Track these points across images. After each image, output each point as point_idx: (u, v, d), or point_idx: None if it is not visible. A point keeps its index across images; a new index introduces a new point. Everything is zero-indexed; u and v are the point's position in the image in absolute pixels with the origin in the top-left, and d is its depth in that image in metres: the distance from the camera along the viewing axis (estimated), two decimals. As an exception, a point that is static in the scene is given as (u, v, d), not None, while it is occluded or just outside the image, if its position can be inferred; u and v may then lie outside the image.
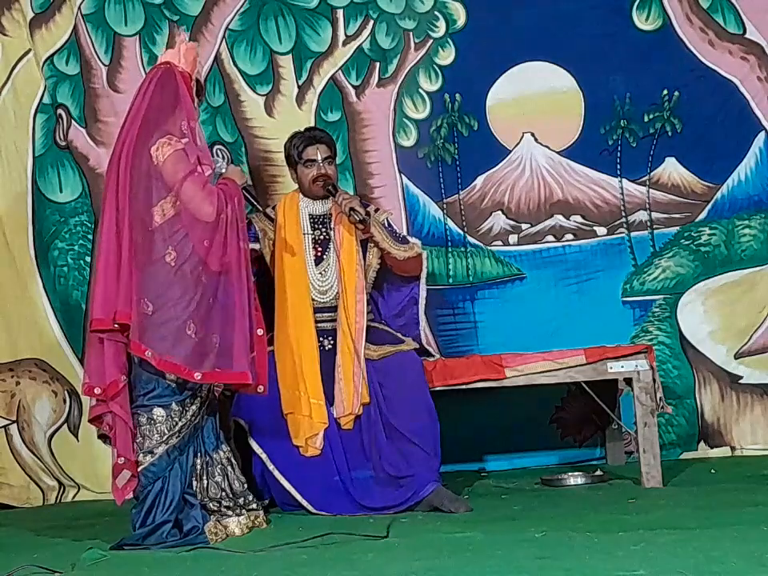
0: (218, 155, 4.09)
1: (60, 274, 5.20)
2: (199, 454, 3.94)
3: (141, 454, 3.84)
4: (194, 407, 3.91)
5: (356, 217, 4.36)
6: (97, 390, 3.82)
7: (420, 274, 4.66)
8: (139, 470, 3.84)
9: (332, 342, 4.38)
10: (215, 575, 3.33)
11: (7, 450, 5.12)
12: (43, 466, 5.13)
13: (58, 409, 5.16)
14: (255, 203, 4.20)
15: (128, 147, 3.92)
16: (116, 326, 3.80)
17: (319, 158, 4.45)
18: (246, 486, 4.07)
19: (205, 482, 3.94)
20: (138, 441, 3.86)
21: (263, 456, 4.28)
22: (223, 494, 3.95)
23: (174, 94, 3.94)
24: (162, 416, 3.86)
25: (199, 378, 3.80)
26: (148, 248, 3.81)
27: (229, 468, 4.02)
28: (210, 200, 3.85)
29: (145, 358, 3.79)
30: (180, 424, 3.87)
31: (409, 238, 4.70)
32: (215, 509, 3.91)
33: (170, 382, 3.86)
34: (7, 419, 5.14)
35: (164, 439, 3.85)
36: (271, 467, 4.27)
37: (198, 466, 3.94)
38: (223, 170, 4.10)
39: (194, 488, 3.91)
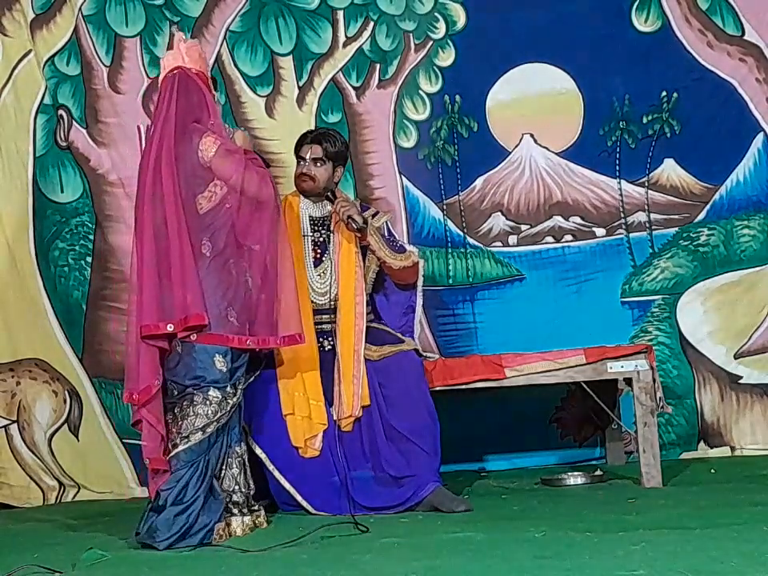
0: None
1: (61, 274, 5.21)
2: (227, 444, 4.00)
3: (192, 432, 3.87)
4: (237, 395, 3.97)
5: (353, 225, 4.37)
6: (135, 396, 3.86)
7: (416, 281, 4.65)
8: (185, 447, 3.86)
9: (332, 342, 4.39)
10: (215, 575, 3.34)
11: (7, 449, 5.12)
12: (43, 465, 5.13)
13: (58, 409, 5.16)
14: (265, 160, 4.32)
15: (167, 151, 3.96)
16: (171, 329, 3.84)
17: (308, 156, 4.46)
18: (252, 486, 4.08)
19: (223, 472, 3.96)
20: (189, 419, 3.88)
21: (263, 456, 4.28)
22: (236, 487, 3.97)
23: (197, 95, 4.03)
24: (218, 398, 3.91)
25: (251, 344, 3.95)
26: (197, 240, 3.92)
27: (246, 464, 4.05)
28: (267, 180, 4.03)
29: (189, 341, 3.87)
30: (231, 403, 3.93)
31: (406, 245, 4.68)
32: (225, 502, 3.93)
33: (219, 368, 3.92)
34: (7, 419, 5.14)
35: (215, 418, 3.89)
36: (271, 467, 4.27)
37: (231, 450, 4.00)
38: (230, 137, 4.14)
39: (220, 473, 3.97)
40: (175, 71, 4.06)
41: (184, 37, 4.18)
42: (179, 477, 3.84)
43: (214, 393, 3.91)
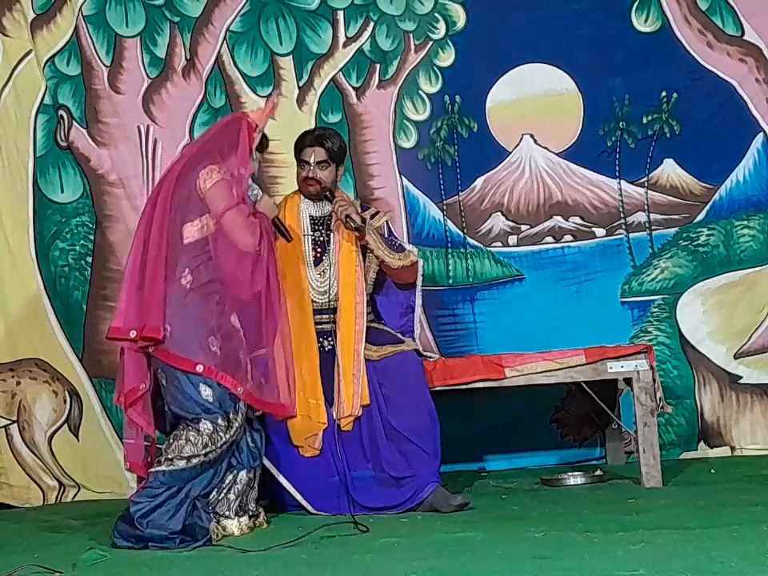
0: (253, 184, 4.11)
1: (61, 274, 5.21)
2: (230, 470, 3.96)
3: (177, 457, 3.84)
4: (232, 430, 3.92)
5: (351, 224, 4.37)
6: (121, 398, 3.89)
7: (415, 281, 4.65)
8: (167, 468, 3.83)
9: (332, 342, 4.39)
10: (216, 575, 3.34)
11: (7, 449, 5.12)
12: (43, 465, 5.13)
13: (58, 409, 5.16)
14: (285, 234, 4.22)
15: (176, 170, 3.99)
16: (133, 336, 3.85)
17: (312, 160, 4.44)
18: (259, 502, 4.07)
19: (214, 495, 3.94)
20: (179, 442, 3.87)
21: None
22: (228, 512, 3.94)
23: (236, 137, 3.99)
24: (209, 430, 3.88)
25: (241, 392, 3.89)
26: (173, 264, 3.89)
27: (248, 489, 4.00)
28: (252, 230, 3.93)
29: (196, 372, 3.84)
30: (223, 439, 3.89)
31: (405, 245, 4.67)
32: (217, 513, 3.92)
33: (205, 398, 3.88)
34: (7, 419, 5.14)
35: (203, 452, 3.86)
36: (271, 467, 4.27)
37: (226, 481, 3.96)
38: (257, 199, 4.11)
39: (211, 497, 3.92)
40: (237, 114, 4.13)
41: (276, 102, 4.19)
42: (153, 494, 3.83)
43: (204, 424, 3.87)
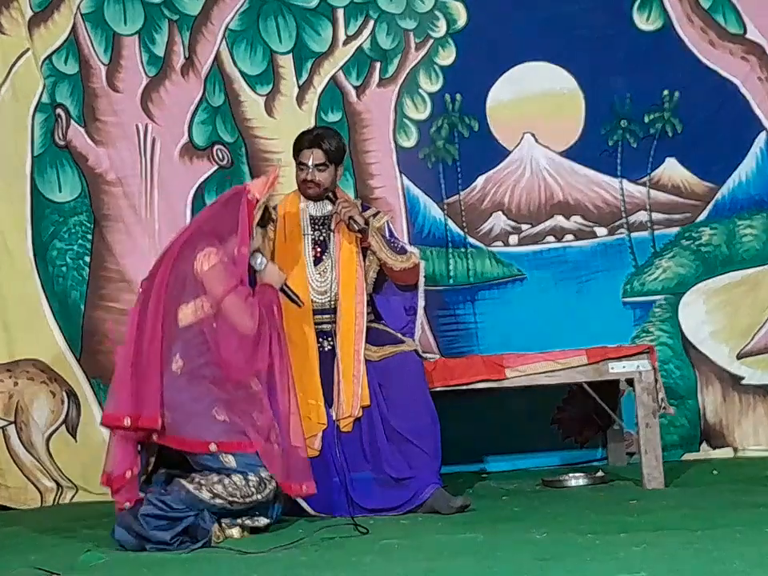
0: (256, 253, 4.07)
1: (59, 274, 5.20)
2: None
3: (206, 487, 3.74)
4: (271, 486, 3.81)
5: (355, 226, 4.35)
6: (108, 482, 3.83)
7: (417, 282, 4.62)
8: (191, 489, 3.74)
9: (331, 342, 4.37)
10: (215, 576, 3.33)
11: (5, 450, 5.11)
12: (41, 467, 5.12)
13: (56, 409, 5.15)
14: (295, 300, 4.16)
15: (174, 250, 3.94)
16: (128, 424, 3.76)
17: (311, 163, 4.42)
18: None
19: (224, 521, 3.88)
20: (215, 476, 3.76)
21: (263, 457, 4.27)
22: (232, 522, 3.87)
23: (235, 216, 3.94)
24: (241, 482, 3.78)
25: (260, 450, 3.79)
26: (168, 349, 3.82)
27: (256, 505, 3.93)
28: (252, 312, 3.86)
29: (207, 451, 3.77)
30: (253, 498, 3.79)
31: (407, 246, 4.63)
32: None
33: (228, 464, 3.79)
34: (5, 420, 5.13)
35: (228, 498, 3.76)
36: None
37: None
38: (261, 268, 4.06)
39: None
40: (238, 186, 4.04)
41: (278, 173, 4.13)
42: (170, 506, 3.74)
43: (236, 476, 3.77)
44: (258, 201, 3.98)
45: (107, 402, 3.89)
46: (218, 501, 3.77)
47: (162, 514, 3.73)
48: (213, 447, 3.77)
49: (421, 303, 4.61)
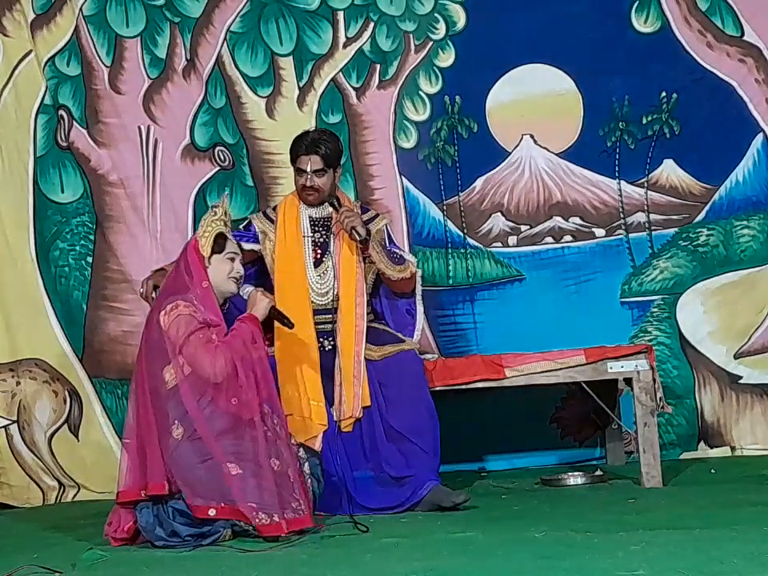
0: (245, 284, 4.04)
1: (61, 275, 5.21)
2: None
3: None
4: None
5: (357, 237, 4.34)
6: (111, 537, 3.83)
7: (413, 290, 4.62)
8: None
9: (332, 342, 4.38)
10: (215, 575, 3.34)
11: (7, 449, 5.13)
12: (43, 465, 5.13)
13: (58, 409, 5.16)
14: (287, 323, 4.09)
15: (149, 318, 3.93)
16: (143, 495, 3.77)
17: (309, 169, 4.40)
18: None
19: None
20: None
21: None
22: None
23: (186, 268, 3.89)
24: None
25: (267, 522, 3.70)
26: (163, 414, 3.78)
27: None
28: (213, 356, 3.75)
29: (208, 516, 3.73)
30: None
31: (406, 255, 4.61)
32: None
33: None
34: (7, 419, 5.14)
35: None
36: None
37: None
38: (246, 297, 4.02)
39: None
40: (192, 240, 3.97)
41: (227, 205, 4.04)
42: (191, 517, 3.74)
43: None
44: (196, 240, 3.91)
45: (122, 479, 3.84)
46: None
47: (185, 517, 3.74)
48: (212, 512, 3.70)
49: (420, 309, 4.62)
